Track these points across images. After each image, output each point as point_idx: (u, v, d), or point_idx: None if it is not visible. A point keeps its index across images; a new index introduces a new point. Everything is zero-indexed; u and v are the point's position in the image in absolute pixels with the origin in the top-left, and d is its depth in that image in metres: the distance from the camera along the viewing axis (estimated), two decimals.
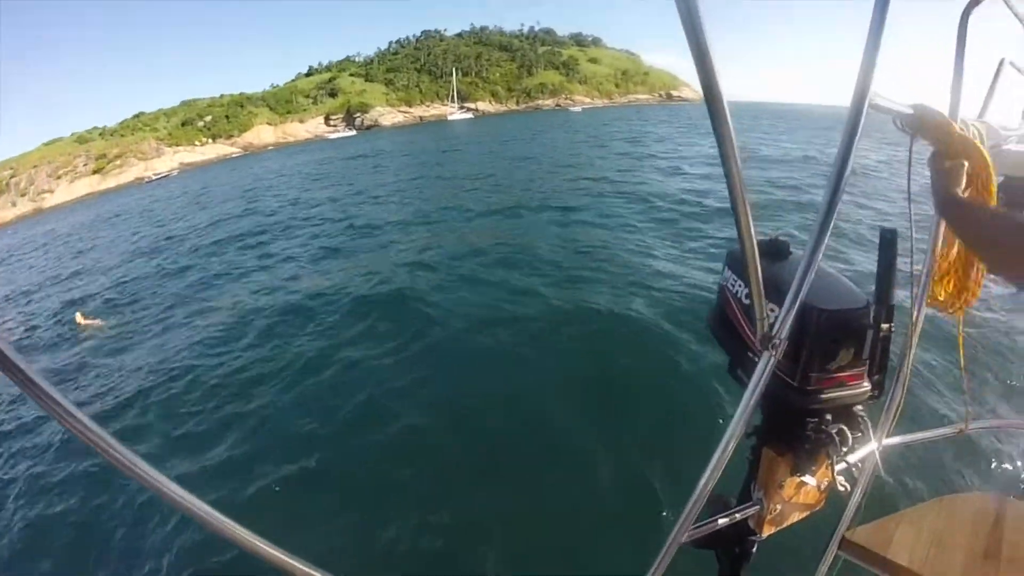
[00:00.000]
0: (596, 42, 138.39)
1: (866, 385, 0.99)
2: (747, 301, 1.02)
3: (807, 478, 1.01)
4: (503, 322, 6.64)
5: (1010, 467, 3.90)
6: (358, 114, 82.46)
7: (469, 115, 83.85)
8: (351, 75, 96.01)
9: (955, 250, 1.24)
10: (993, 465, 3.90)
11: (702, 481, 0.84)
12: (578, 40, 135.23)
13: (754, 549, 1.12)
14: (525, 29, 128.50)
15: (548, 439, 4.47)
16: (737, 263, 1.11)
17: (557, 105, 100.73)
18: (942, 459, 3.85)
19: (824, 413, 0.97)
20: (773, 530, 1.09)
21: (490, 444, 4.51)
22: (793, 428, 0.98)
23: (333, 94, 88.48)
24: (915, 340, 1.28)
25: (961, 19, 1.21)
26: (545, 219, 12.17)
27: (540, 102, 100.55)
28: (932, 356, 5.01)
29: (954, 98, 1.14)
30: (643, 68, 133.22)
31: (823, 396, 0.96)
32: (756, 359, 0.83)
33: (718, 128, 0.62)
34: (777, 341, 0.81)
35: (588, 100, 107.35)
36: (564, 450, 4.31)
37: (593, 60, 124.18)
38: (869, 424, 1.02)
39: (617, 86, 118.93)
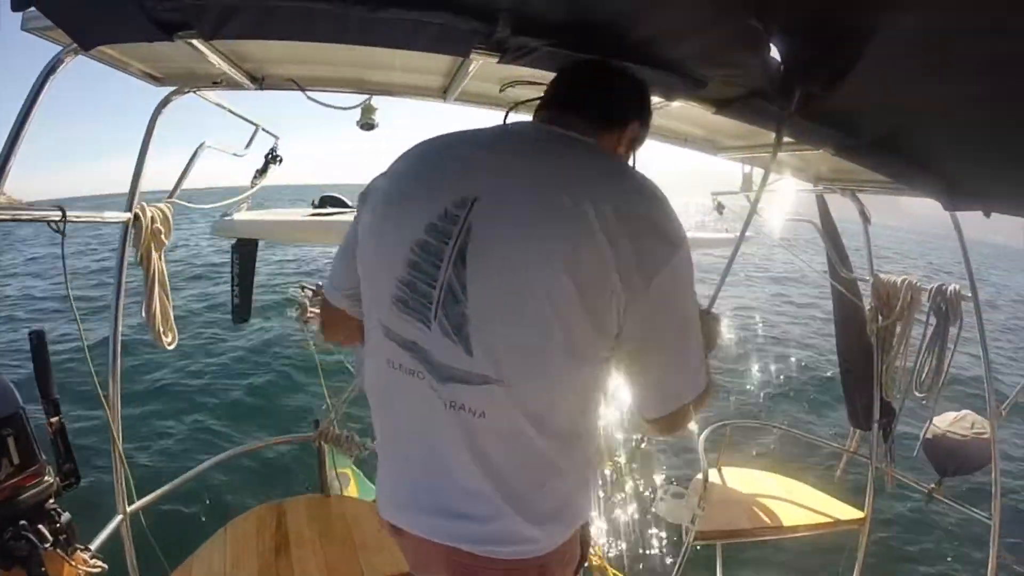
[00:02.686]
0: None
1: (48, 479, 1.03)
2: None
3: None
4: None
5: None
6: None
7: None
8: None
9: None
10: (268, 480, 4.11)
11: None
12: None
13: None
14: None
15: None
16: None
17: None
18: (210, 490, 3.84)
19: (16, 520, 0.96)
20: None
21: None
22: None
23: None
24: None
25: (152, 116, 1.44)
26: None
27: None
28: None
29: (134, 183, 1.39)
30: None
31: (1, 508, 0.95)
32: None
33: None
34: None
35: None
36: None
37: None
38: (61, 513, 1.05)
39: None
